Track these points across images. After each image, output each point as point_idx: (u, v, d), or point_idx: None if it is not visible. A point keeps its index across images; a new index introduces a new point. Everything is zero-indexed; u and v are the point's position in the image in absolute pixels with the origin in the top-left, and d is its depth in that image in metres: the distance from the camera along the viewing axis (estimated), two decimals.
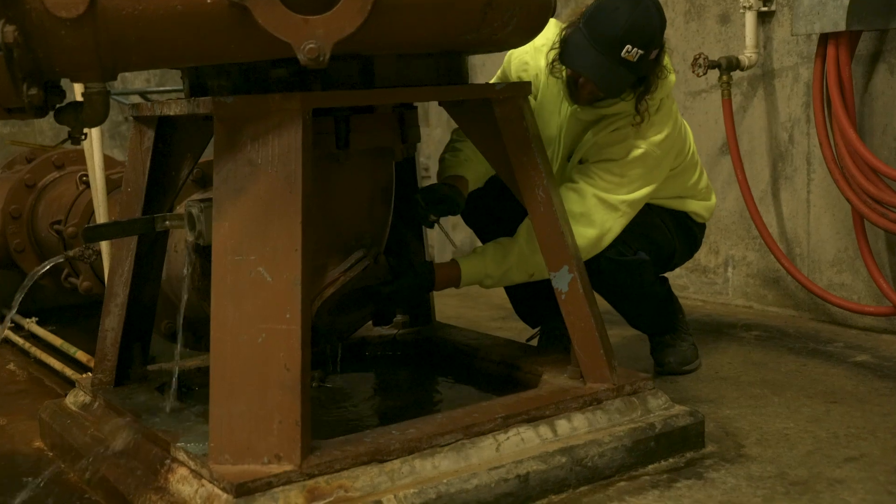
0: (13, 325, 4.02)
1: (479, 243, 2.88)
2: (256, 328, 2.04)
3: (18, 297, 3.10)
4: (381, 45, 2.13)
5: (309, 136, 2.08)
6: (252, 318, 2.05)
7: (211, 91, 2.27)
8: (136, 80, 4.78)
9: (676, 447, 2.39)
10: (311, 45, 1.86)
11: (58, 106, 2.03)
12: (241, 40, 1.93)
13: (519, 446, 2.23)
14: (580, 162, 2.80)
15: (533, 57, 2.89)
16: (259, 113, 2.08)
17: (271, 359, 2.03)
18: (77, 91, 2.64)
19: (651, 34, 2.59)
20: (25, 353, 3.73)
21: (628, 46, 2.55)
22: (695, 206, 3.02)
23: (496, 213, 2.90)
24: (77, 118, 2.02)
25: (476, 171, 2.85)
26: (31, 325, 3.97)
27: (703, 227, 3.12)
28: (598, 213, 2.71)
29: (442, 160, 2.90)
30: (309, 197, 2.06)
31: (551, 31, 2.81)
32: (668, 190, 2.92)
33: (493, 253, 2.68)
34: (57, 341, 3.68)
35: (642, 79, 2.69)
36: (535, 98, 2.88)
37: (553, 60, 2.76)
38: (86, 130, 2.16)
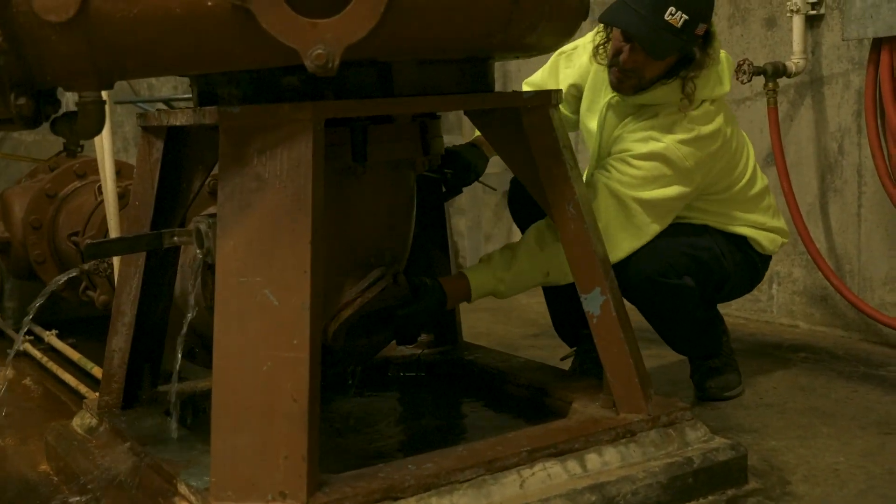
0: (33, 337, 3.94)
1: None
2: (262, 355, 1.90)
3: (32, 312, 2.99)
4: (399, 50, 1.98)
5: (321, 150, 1.93)
6: (257, 345, 1.90)
7: (220, 100, 2.14)
8: (163, 87, 4.68)
9: (717, 484, 2.21)
10: (319, 51, 1.72)
11: (53, 116, 1.91)
12: (245, 46, 1.79)
13: (545, 483, 2.07)
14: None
15: (584, 46, 2.83)
16: (267, 124, 1.94)
17: (277, 389, 1.89)
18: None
19: (697, 1, 2.49)
20: (43, 367, 3.63)
21: (672, 9, 2.45)
22: (755, 235, 2.83)
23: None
24: (72, 129, 1.89)
25: None
26: (50, 337, 3.88)
27: (766, 259, 2.92)
28: (606, 208, 2.53)
29: None
30: (319, 215, 1.91)
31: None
32: (720, 213, 2.77)
33: (500, 256, 2.52)
34: (75, 356, 3.58)
35: (687, 60, 2.56)
36: (583, 90, 2.83)
37: (598, 45, 2.68)
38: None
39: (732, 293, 2.94)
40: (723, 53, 2.70)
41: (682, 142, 2.59)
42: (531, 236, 2.53)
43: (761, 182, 2.87)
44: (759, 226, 2.84)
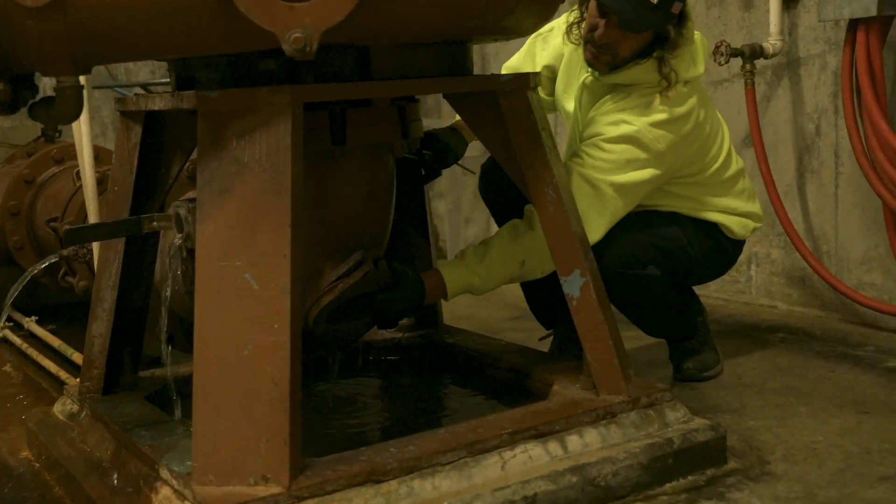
0: (13, 323, 3.92)
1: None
2: (242, 340, 1.90)
3: (11, 297, 2.98)
4: (377, 34, 1.98)
5: (299, 133, 1.93)
6: (238, 329, 1.90)
7: (198, 84, 2.13)
8: (140, 71, 4.65)
9: (696, 464, 2.23)
10: (297, 35, 1.71)
11: (30, 102, 1.89)
12: (223, 30, 1.78)
13: (526, 464, 2.08)
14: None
15: (559, 27, 2.83)
16: (245, 108, 1.93)
17: (258, 373, 1.89)
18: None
19: None
20: (23, 353, 3.62)
21: None
22: (725, 220, 2.83)
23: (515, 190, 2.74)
24: (49, 114, 1.88)
25: None
26: (30, 324, 3.87)
27: (738, 244, 2.91)
28: (581, 194, 2.51)
29: None
30: (298, 199, 1.91)
31: None
32: (691, 197, 2.77)
33: (473, 251, 2.51)
34: (55, 342, 3.57)
35: (662, 39, 2.56)
36: (557, 71, 2.84)
37: (571, 24, 2.67)
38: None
39: (701, 279, 2.95)
40: (697, 35, 2.70)
41: (654, 124, 2.58)
42: (505, 229, 2.53)
43: (736, 165, 2.86)
44: (731, 211, 2.84)
